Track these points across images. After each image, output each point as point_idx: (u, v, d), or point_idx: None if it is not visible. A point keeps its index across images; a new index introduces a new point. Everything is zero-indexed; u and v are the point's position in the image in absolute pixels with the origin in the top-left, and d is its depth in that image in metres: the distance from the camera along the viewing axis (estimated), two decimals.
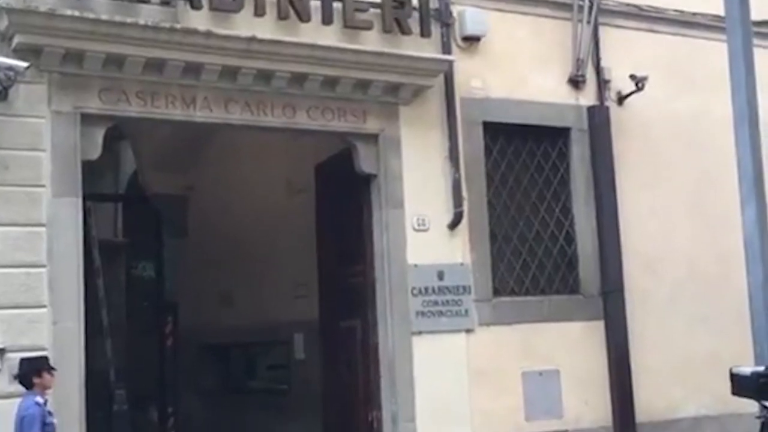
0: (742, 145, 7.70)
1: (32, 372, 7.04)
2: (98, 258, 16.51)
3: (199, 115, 8.72)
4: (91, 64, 8.13)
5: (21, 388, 7.12)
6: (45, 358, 7.25)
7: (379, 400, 9.31)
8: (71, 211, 8.10)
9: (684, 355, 10.66)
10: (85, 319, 8.08)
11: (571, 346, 10.23)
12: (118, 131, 9.80)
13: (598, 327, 10.41)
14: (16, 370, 7.22)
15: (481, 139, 10.18)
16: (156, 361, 14.51)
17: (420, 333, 9.47)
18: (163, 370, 13.93)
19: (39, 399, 6.93)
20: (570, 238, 10.60)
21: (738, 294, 11.12)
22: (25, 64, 7.69)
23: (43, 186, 8.00)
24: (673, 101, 11.19)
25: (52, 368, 7.14)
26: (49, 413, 6.98)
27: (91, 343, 10.58)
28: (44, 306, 7.79)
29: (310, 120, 9.22)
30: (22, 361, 7.23)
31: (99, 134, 8.34)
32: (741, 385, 9.00)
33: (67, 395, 7.70)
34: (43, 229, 7.94)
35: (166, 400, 13.86)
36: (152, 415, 14.78)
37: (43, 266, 7.87)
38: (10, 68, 7.64)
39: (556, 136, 10.71)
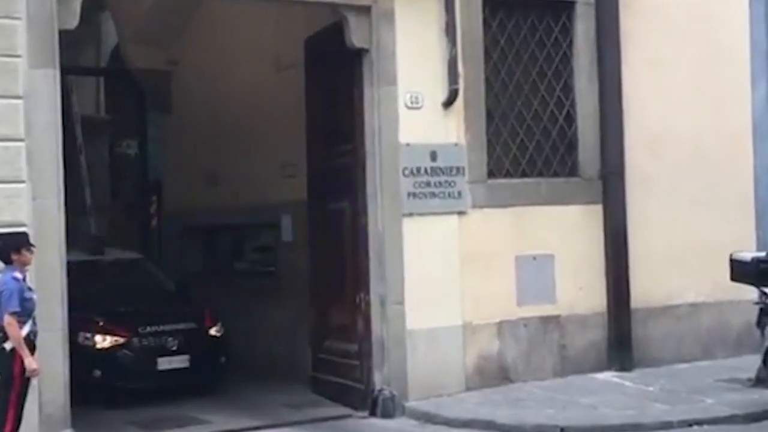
0: (756, 20, 7.70)
1: (11, 248, 7.20)
2: (81, 135, 16.64)
3: None
4: None
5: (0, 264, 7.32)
6: (24, 234, 7.42)
7: (368, 283, 9.53)
8: (49, 83, 8.13)
9: (684, 241, 10.86)
10: (68, 198, 8.24)
11: (567, 230, 10.42)
12: (97, 0, 9.75)
13: (596, 211, 10.58)
14: None
15: (480, 13, 10.11)
16: (140, 242, 14.79)
17: (411, 215, 9.64)
18: (147, 251, 14.19)
19: (17, 274, 7.12)
20: (570, 119, 10.68)
21: (743, 177, 11.39)
22: None
23: (19, 56, 8.00)
24: None
25: (31, 245, 7.32)
26: (29, 289, 7.19)
27: (75, 223, 10.83)
28: (23, 181, 7.91)
29: None
30: (1, 236, 7.42)
31: (76, 1, 8.33)
32: (740, 271, 9.29)
33: (48, 272, 7.89)
34: (20, 101, 7.98)
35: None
36: None
37: (21, 140, 7.94)
38: None
39: (560, 11, 10.65)
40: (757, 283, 9.12)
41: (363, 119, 9.71)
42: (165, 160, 14.95)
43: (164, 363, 10.37)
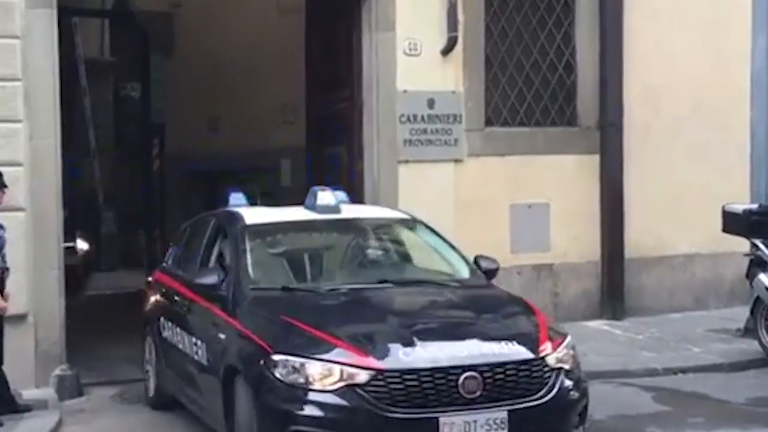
0: None
1: None
2: (84, 77, 16.78)
3: None
4: None
5: None
6: None
7: None
8: (46, 23, 8.23)
9: (680, 193, 10.98)
10: (71, 139, 8.36)
11: (563, 179, 10.56)
12: None
13: (592, 161, 10.70)
14: None
15: None
16: (143, 185, 14.98)
17: (407, 162, 9.80)
18: (150, 194, 14.39)
19: None
20: (570, 68, 10.75)
21: (741, 131, 11.47)
22: None
23: None
24: None
25: (5, 185, 7.41)
26: (0, 227, 7.32)
27: (79, 165, 11.00)
28: (20, 121, 8.07)
29: None
30: None
31: None
32: (732, 222, 9.43)
33: (43, 212, 8.08)
34: (17, 41, 8.10)
35: (153, 223, 14.38)
36: (139, 239, 15.40)
37: (18, 80, 8.07)
38: None
39: None
40: (748, 234, 9.25)
41: (361, 65, 9.82)
42: (168, 104, 15.09)
43: None
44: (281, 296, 6.30)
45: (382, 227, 7.50)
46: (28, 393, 7.71)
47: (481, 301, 6.49)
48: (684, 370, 8.57)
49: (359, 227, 7.39)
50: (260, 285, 6.40)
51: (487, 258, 7.18)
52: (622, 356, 9.04)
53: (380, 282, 6.52)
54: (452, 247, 7.25)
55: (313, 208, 7.10)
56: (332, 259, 7.14)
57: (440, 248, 7.26)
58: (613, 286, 10.59)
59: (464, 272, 6.96)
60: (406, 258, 7.32)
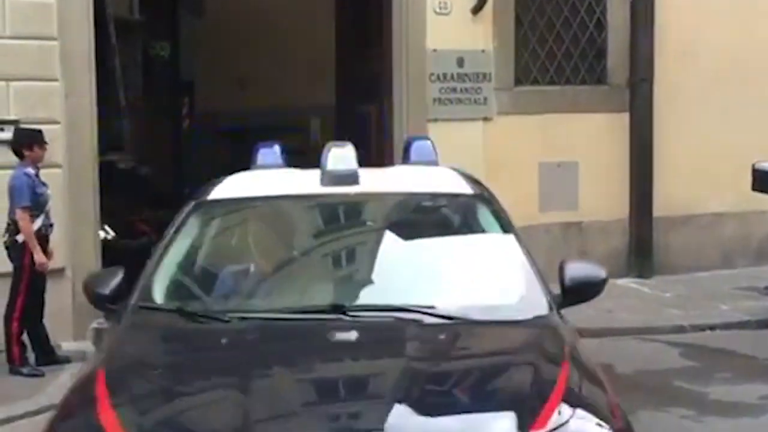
0: None
1: (24, 143, 7.56)
2: (114, 36, 16.91)
3: None
4: None
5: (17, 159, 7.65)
6: (39, 132, 7.73)
7: None
8: None
9: (710, 151, 11.02)
10: (103, 98, 8.57)
11: (592, 138, 10.65)
12: None
13: (622, 119, 10.77)
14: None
15: None
16: (172, 143, 15.19)
17: (436, 120, 9.92)
18: (179, 152, 14.59)
19: (29, 170, 7.49)
20: (600, 26, 10.79)
21: None
22: None
23: None
24: None
25: (45, 143, 7.67)
26: (42, 184, 7.56)
27: (108, 123, 11.19)
28: (56, 80, 8.29)
29: None
30: (17, 130, 7.78)
31: None
32: (762, 180, 9.51)
33: (80, 169, 8.33)
34: (53, 0, 8.32)
35: (182, 182, 14.58)
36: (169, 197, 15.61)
37: (54, 39, 8.29)
38: None
39: None
40: None
41: (391, 24, 9.92)
42: (197, 63, 15.25)
43: None
44: (164, 324, 4.16)
45: (419, 210, 4.97)
46: (66, 345, 8.00)
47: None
48: (711, 327, 8.72)
49: (380, 209, 4.87)
50: (155, 302, 4.27)
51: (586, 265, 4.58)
52: (650, 313, 9.20)
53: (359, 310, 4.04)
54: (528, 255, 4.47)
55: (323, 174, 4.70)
56: (315, 264, 4.67)
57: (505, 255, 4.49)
58: (642, 244, 10.72)
59: (531, 307, 4.16)
60: (431, 271, 4.37)
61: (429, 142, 5.58)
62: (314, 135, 12.01)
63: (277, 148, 5.37)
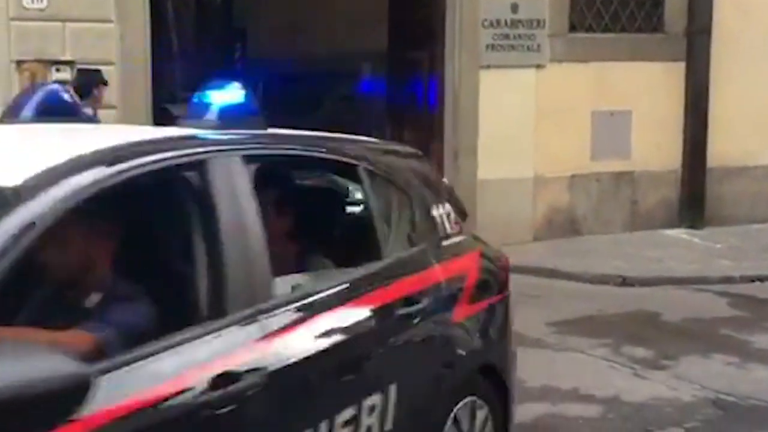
0: None
1: (93, 83, 7.75)
2: None
3: None
4: None
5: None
6: (100, 72, 7.93)
7: (441, 133, 9.97)
8: None
9: (766, 103, 10.97)
10: (155, 44, 8.73)
11: (647, 87, 10.60)
12: None
13: (678, 68, 10.70)
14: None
15: None
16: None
17: (488, 67, 9.94)
18: None
19: (88, 111, 7.67)
20: None
21: None
22: None
23: None
24: None
25: (106, 83, 7.84)
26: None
27: (160, 68, 11.36)
28: (111, 21, 8.46)
29: None
30: (80, 71, 7.97)
31: None
32: None
33: (135, 110, 8.49)
34: None
35: None
36: None
37: None
38: None
39: None
40: None
41: None
42: (249, 7, 15.34)
43: None
44: None
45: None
46: None
47: None
48: (761, 279, 8.72)
49: None
50: None
51: None
52: (700, 263, 9.23)
53: None
54: None
55: None
56: None
57: None
58: (694, 195, 10.70)
59: None
60: None
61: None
62: (365, 81, 12.07)
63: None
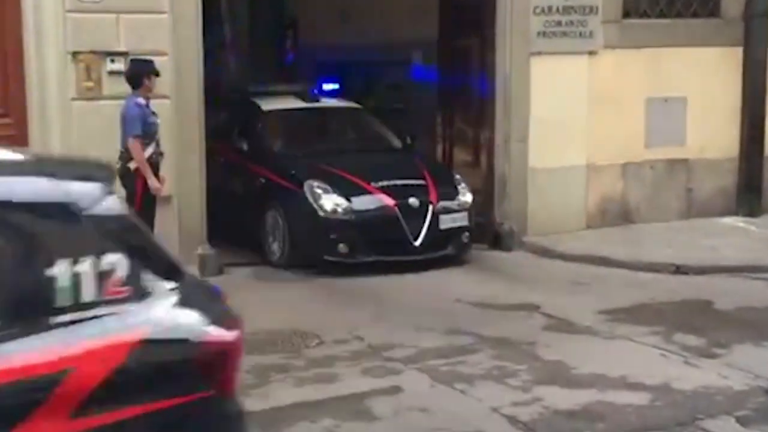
0: None
1: (143, 73, 7.89)
2: None
3: None
4: None
5: (127, 90, 7.99)
6: (151, 62, 8.06)
7: (493, 120, 9.97)
8: None
9: None
10: (207, 31, 8.81)
11: (702, 73, 10.51)
12: None
13: (735, 54, 10.60)
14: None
15: None
16: (276, 77, 15.45)
17: (540, 54, 9.91)
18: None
19: (140, 100, 7.78)
20: None
21: None
22: None
23: None
24: None
25: (157, 73, 7.96)
26: (153, 114, 7.87)
27: (214, 56, 11.47)
28: (164, 12, 8.57)
29: None
30: (132, 61, 8.11)
31: None
32: None
33: (187, 100, 8.62)
34: None
35: None
36: None
37: None
38: None
39: None
40: None
41: None
42: None
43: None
44: None
45: None
46: None
47: None
48: None
49: None
50: None
51: None
52: (756, 252, 9.14)
53: None
54: None
55: None
56: None
57: None
58: (751, 183, 10.59)
59: None
60: None
61: None
62: (416, 68, 12.08)
63: None
